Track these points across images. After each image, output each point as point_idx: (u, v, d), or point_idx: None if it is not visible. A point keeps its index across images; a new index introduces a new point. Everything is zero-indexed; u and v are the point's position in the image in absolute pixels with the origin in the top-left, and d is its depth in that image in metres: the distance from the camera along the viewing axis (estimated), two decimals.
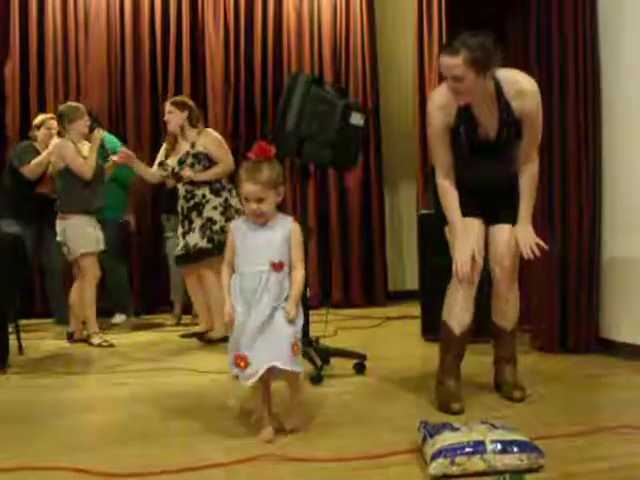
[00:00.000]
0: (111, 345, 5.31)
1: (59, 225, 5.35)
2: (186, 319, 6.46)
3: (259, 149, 3.02)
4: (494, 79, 3.27)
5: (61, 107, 5.57)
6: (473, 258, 3.41)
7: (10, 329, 4.82)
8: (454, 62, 3.12)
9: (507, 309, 3.62)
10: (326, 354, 4.25)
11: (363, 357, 4.26)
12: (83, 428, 3.30)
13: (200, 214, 5.35)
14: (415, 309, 5.71)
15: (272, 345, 2.92)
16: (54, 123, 5.85)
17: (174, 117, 5.44)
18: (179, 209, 5.45)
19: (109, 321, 6.40)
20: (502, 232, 3.51)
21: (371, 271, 7.47)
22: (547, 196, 4.63)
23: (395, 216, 7.93)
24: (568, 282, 4.64)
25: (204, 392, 3.88)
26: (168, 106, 5.49)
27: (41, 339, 5.70)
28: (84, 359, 4.92)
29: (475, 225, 3.50)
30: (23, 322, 5.56)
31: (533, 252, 3.39)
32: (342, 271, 7.35)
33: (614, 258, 4.58)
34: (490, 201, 3.52)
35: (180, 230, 5.44)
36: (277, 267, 2.99)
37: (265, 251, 2.99)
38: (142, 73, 7.01)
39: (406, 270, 7.83)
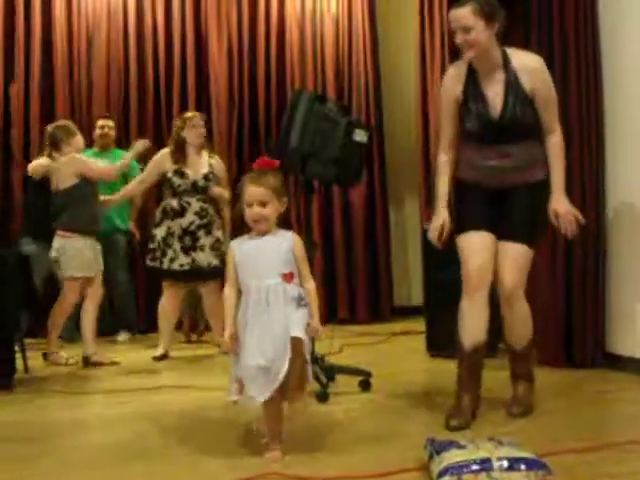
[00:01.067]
0: (74, 363, 5.31)
1: (57, 241, 5.25)
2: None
3: (263, 161, 3.01)
4: (501, 50, 3.38)
5: (50, 130, 5.51)
6: (480, 268, 3.43)
7: (16, 348, 4.83)
8: (463, 12, 3.30)
9: (512, 328, 3.60)
10: (331, 371, 4.24)
11: (368, 374, 4.24)
12: (88, 447, 3.29)
13: (210, 233, 5.44)
14: (420, 324, 5.69)
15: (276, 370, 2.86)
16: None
17: (204, 132, 5.62)
18: (183, 224, 5.41)
19: (115, 339, 6.40)
20: (506, 250, 3.48)
21: (376, 287, 7.45)
22: None
23: (400, 231, 7.91)
24: (573, 296, 4.62)
25: (208, 410, 3.87)
26: (201, 120, 5.59)
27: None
28: (89, 378, 4.92)
29: (481, 238, 3.49)
30: (29, 341, 5.57)
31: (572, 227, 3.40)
32: (347, 287, 7.34)
33: (620, 269, 4.56)
34: (502, 210, 3.50)
35: (177, 245, 5.40)
36: (288, 278, 2.94)
37: (273, 263, 2.93)
38: (146, 90, 7.01)
39: (412, 285, 7.81)
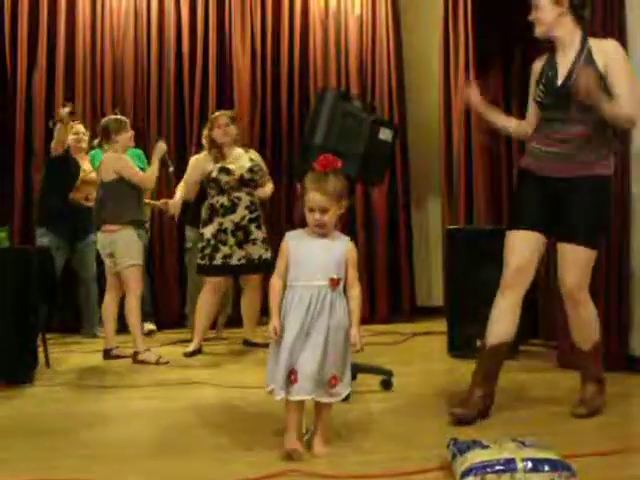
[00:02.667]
0: (167, 362, 5.16)
1: (106, 237, 5.25)
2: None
3: (325, 160, 3.00)
4: (582, 34, 3.48)
5: (105, 120, 5.53)
6: (517, 270, 3.48)
7: (38, 342, 4.86)
8: None
9: (576, 328, 3.58)
10: (353, 370, 4.22)
11: (390, 373, 4.23)
12: (110, 441, 3.30)
13: (259, 227, 5.59)
14: (441, 325, 5.68)
15: (322, 374, 2.92)
16: (81, 128, 5.97)
17: (233, 129, 5.66)
18: (235, 219, 5.49)
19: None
20: (566, 251, 3.48)
21: (397, 286, 7.44)
22: None
23: (422, 231, 7.89)
24: (596, 300, 4.57)
25: (232, 407, 3.88)
26: (225, 119, 5.64)
27: (69, 352, 5.71)
28: (111, 373, 4.93)
29: (525, 239, 3.51)
30: (50, 335, 5.60)
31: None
32: (368, 286, 7.31)
33: None
34: (561, 208, 3.48)
35: (231, 240, 5.48)
36: (334, 284, 2.93)
37: (324, 265, 2.93)
38: (168, 88, 7.03)
39: (433, 285, 7.78)
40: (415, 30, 7.73)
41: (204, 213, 5.61)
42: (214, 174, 5.53)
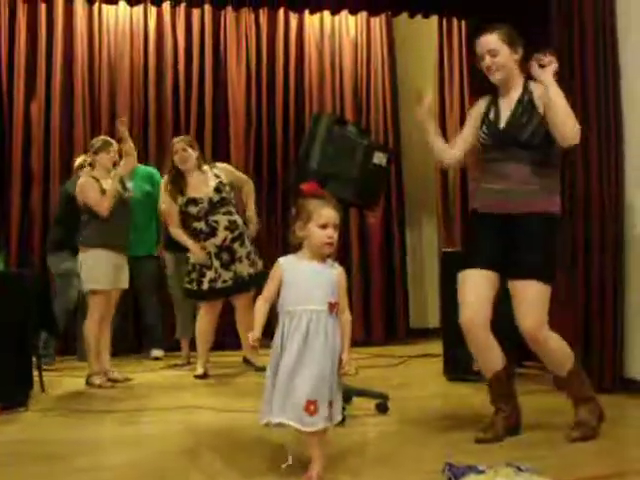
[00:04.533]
0: (113, 384, 5.22)
1: (79, 257, 5.26)
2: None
3: (313, 186, 3.04)
4: (524, 78, 3.60)
5: (94, 139, 5.52)
6: (472, 308, 3.56)
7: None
8: (491, 37, 3.56)
9: (548, 361, 3.58)
10: (348, 394, 4.22)
11: (385, 397, 4.23)
12: (104, 467, 3.29)
13: (243, 243, 5.55)
14: (436, 347, 5.68)
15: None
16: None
17: (191, 154, 5.59)
18: (216, 242, 5.46)
19: (149, 355, 6.45)
20: (518, 290, 3.49)
21: (392, 308, 7.44)
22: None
23: (417, 254, 7.91)
24: (590, 322, 4.60)
25: (228, 430, 3.87)
26: (182, 144, 5.59)
27: (64, 376, 5.66)
28: (105, 397, 4.91)
29: (477, 277, 3.58)
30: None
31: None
32: (363, 309, 7.33)
33: (638, 293, 4.54)
34: (510, 245, 3.52)
35: (216, 263, 5.46)
36: (332, 308, 2.93)
37: (321, 290, 2.93)
38: (164, 112, 7.05)
39: (428, 307, 7.79)
40: (410, 52, 7.78)
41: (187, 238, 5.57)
42: (183, 209, 5.53)
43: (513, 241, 3.52)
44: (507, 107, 3.61)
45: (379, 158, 4.25)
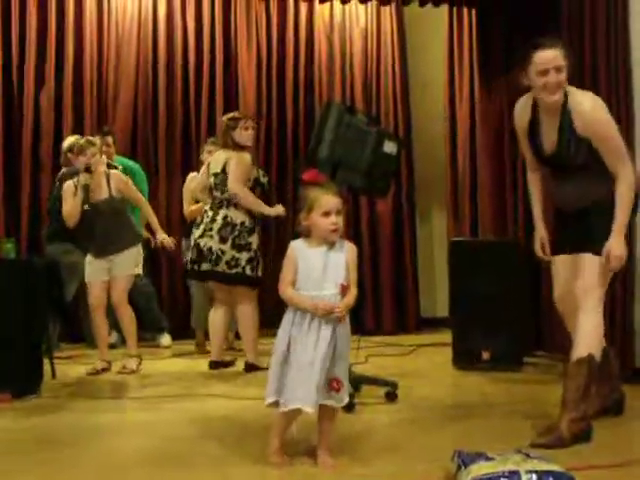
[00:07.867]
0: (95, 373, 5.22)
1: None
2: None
3: (314, 173, 3.06)
4: (564, 90, 3.43)
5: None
6: (562, 292, 3.64)
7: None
8: (555, 53, 3.37)
9: (575, 335, 3.52)
10: (358, 382, 4.23)
11: (395, 385, 4.24)
12: (116, 453, 3.31)
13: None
14: (446, 336, 5.68)
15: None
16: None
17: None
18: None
19: (157, 343, 6.44)
20: (577, 262, 3.54)
21: (403, 297, 7.44)
22: None
23: (427, 243, 7.90)
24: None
25: (236, 418, 3.88)
26: (252, 122, 5.51)
27: (74, 363, 5.68)
28: (116, 384, 4.94)
29: (561, 262, 3.65)
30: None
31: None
32: (373, 297, 7.33)
33: None
34: (576, 228, 3.57)
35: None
36: (344, 290, 2.96)
37: (333, 273, 2.96)
38: (174, 102, 7.04)
39: (438, 297, 7.78)
40: (420, 42, 7.76)
41: (247, 220, 5.20)
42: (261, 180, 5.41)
43: (579, 227, 3.58)
44: (551, 129, 3.49)
45: (389, 147, 4.24)
